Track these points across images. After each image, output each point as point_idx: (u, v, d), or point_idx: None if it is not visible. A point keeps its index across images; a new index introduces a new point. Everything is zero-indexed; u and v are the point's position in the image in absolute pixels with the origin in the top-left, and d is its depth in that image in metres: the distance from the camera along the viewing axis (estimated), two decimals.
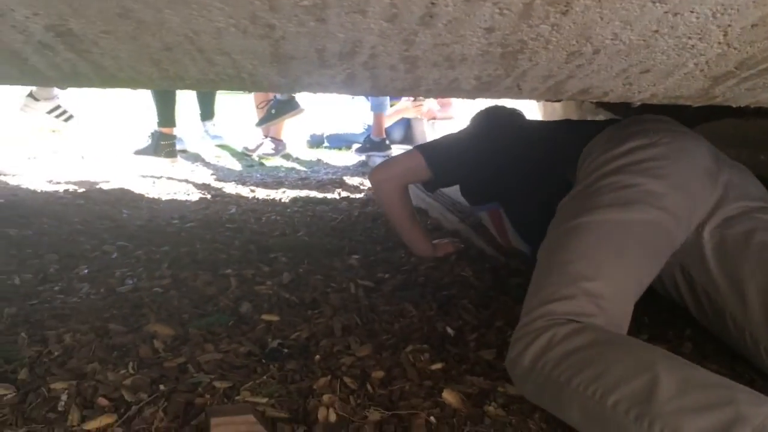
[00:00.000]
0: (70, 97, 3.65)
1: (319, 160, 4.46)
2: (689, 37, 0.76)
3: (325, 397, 1.12)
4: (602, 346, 0.98)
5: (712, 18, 0.71)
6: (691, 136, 1.34)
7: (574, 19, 0.71)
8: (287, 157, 4.43)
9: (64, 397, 1.12)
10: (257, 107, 4.15)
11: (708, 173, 1.28)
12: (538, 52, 0.80)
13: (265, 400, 1.12)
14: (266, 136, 4.35)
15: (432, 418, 1.08)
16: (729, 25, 0.72)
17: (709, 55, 0.81)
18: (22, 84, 1.03)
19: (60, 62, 0.79)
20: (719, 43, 0.77)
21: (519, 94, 1.00)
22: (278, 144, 4.34)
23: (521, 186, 1.68)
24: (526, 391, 1.08)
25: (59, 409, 1.09)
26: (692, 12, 0.69)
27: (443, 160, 1.88)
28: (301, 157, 4.53)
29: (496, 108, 2.00)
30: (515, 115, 1.95)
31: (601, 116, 3.04)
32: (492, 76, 0.90)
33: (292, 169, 4.05)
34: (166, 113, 3.70)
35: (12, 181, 3.06)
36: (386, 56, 0.80)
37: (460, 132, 1.96)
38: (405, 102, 4.62)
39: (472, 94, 0.99)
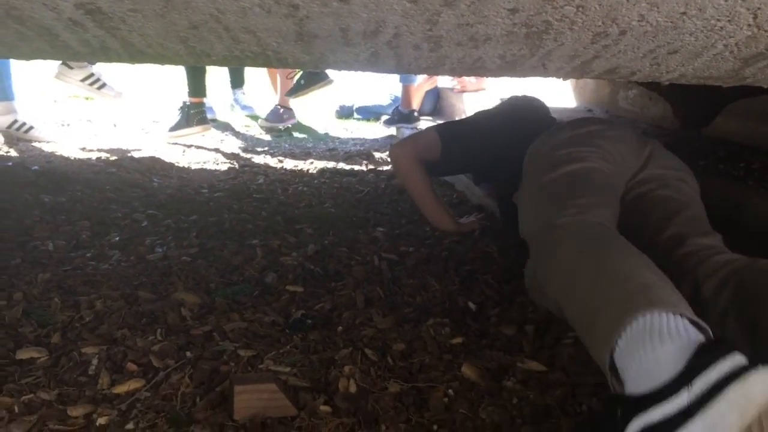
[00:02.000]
0: (103, 65, 3.69)
1: (347, 131, 4.46)
2: (718, 19, 0.75)
3: (346, 368, 1.15)
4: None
5: (741, 0, 0.70)
6: (620, 123, 1.54)
7: (599, 0, 0.70)
8: (310, 131, 4.43)
9: (94, 361, 1.16)
10: (286, 77, 4.14)
11: (633, 145, 1.55)
12: (564, 32, 0.80)
13: (287, 369, 1.15)
14: (279, 105, 4.33)
15: (450, 391, 1.10)
16: (759, 8, 0.71)
17: (739, 37, 0.79)
18: (54, 59, 1.05)
19: (89, 38, 0.80)
20: (749, 25, 0.76)
21: (544, 72, 1.00)
22: (287, 112, 4.31)
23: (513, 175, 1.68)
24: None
25: (90, 372, 1.13)
26: None
27: (456, 151, 1.93)
28: (330, 128, 4.54)
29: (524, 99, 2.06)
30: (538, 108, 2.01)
31: (634, 91, 2.99)
32: (516, 56, 0.89)
33: (321, 140, 4.06)
34: (197, 83, 3.72)
35: (46, 148, 3.12)
36: (410, 36, 0.80)
37: (484, 117, 1.99)
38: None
39: (496, 72, 0.99)
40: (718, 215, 1.81)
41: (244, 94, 4.52)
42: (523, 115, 1.98)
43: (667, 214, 1.39)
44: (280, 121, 4.26)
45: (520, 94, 2.16)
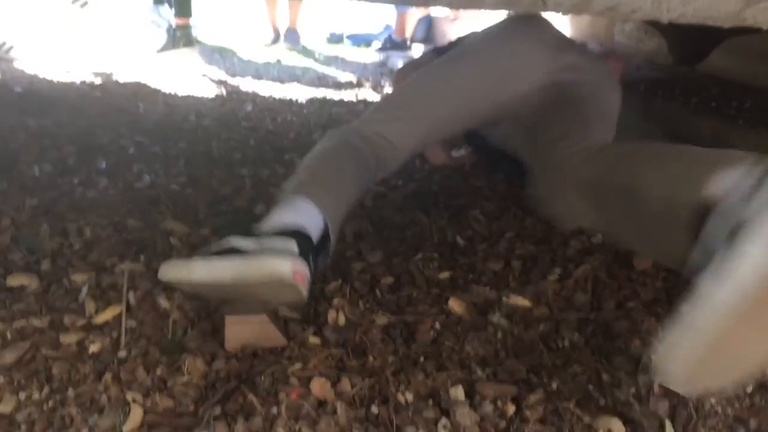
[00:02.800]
0: None
1: (337, 57, 4.37)
2: None
3: (335, 301, 1.16)
4: None
5: None
6: None
7: None
8: (306, 53, 4.35)
9: (84, 288, 1.17)
10: None
11: None
12: None
13: None
14: (275, 28, 4.23)
15: (437, 325, 1.12)
16: None
17: None
18: None
19: None
20: None
21: (543, 7, 0.97)
22: (294, 34, 4.24)
23: None
24: None
25: (80, 300, 1.14)
26: None
27: None
28: (320, 53, 4.45)
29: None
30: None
31: (630, 24, 2.94)
32: None
33: (309, 68, 3.98)
34: (182, 3, 3.62)
35: (28, 70, 3.04)
36: None
37: (479, 37, 1.92)
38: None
39: (495, 6, 0.96)
40: None
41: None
42: None
43: None
44: (297, 42, 4.24)
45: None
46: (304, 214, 1.12)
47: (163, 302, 1.13)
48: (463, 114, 1.49)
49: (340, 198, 1.22)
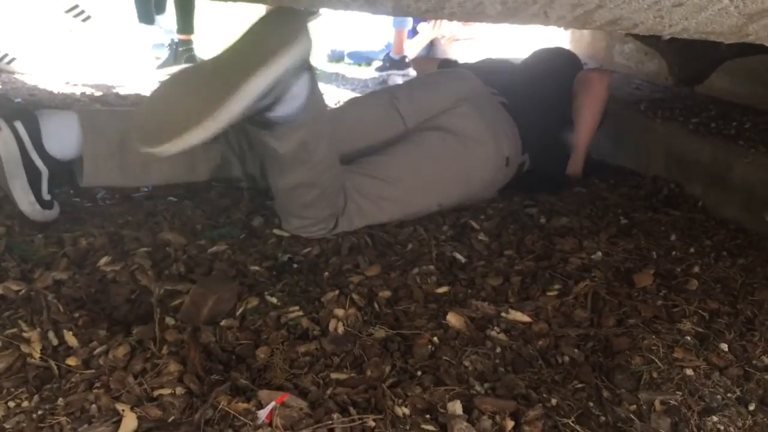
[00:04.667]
0: None
1: (338, 74, 4.38)
2: None
3: (335, 311, 1.15)
4: None
5: None
6: None
7: None
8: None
9: None
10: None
11: None
12: None
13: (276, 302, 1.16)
14: None
15: (435, 339, 1.11)
16: None
17: None
18: None
19: None
20: None
21: (545, 21, 0.97)
22: None
23: None
24: None
25: None
26: None
27: None
28: (320, 70, 4.46)
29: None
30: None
31: (630, 45, 2.95)
32: (518, 2, 0.87)
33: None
34: (185, 20, 3.63)
35: (29, 81, 3.04)
36: None
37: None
38: (427, 30, 4.46)
39: (497, 19, 0.96)
40: (707, 173, 1.82)
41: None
42: None
43: None
44: None
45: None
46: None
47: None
48: None
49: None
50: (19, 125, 1.32)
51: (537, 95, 1.87)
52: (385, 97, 1.71)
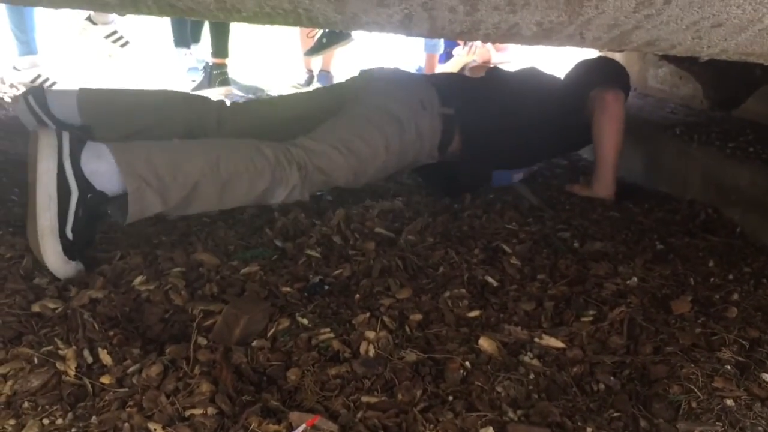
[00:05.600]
0: (127, 22, 3.66)
1: None
2: None
3: (366, 333, 1.14)
4: None
5: None
6: None
7: None
8: None
9: None
10: (306, 36, 4.08)
11: None
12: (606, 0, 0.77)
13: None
14: (309, 70, 4.29)
15: (467, 364, 1.09)
16: None
17: None
18: (85, 8, 1.04)
19: None
20: None
21: (581, 42, 0.97)
22: (328, 76, 4.29)
23: None
24: None
25: None
26: None
27: None
28: None
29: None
30: None
31: (664, 69, 2.92)
32: (554, 23, 0.87)
33: None
34: (220, 44, 3.71)
35: None
36: None
37: None
38: (461, 55, 4.48)
39: (532, 40, 0.96)
40: (745, 198, 1.78)
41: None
42: None
43: None
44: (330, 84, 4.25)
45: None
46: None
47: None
48: None
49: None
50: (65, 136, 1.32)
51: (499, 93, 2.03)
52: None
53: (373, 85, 1.94)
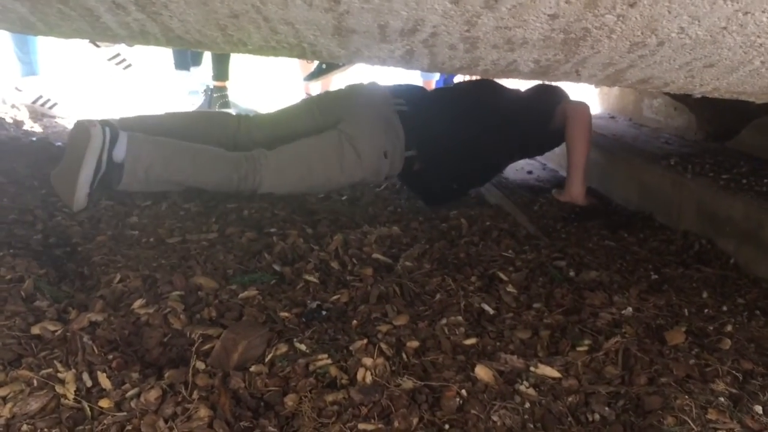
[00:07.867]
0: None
1: None
2: (758, 36, 0.74)
3: (363, 359, 1.15)
4: None
5: None
6: None
7: (641, 11, 0.70)
8: None
9: None
10: (306, 62, 4.12)
11: None
12: (601, 40, 0.80)
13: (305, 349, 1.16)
14: (308, 94, 4.33)
15: (463, 392, 1.10)
16: None
17: None
18: (93, 39, 1.06)
19: (130, 22, 0.81)
20: None
21: (577, 79, 1.00)
22: None
23: None
24: None
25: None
26: (764, 12, 0.67)
27: None
28: None
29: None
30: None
31: (659, 100, 2.96)
32: (551, 61, 0.89)
33: None
34: (221, 67, 3.75)
35: (69, 125, 3.14)
36: (447, 35, 0.80)
37: None
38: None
39: (528, 76, 0.98)
40: (739, 230, 1.81)
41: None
42: None
43: None
44: None
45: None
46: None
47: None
48: None
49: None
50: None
51: (451, 112, 2.29)
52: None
53: (353, 115, 2.23)
